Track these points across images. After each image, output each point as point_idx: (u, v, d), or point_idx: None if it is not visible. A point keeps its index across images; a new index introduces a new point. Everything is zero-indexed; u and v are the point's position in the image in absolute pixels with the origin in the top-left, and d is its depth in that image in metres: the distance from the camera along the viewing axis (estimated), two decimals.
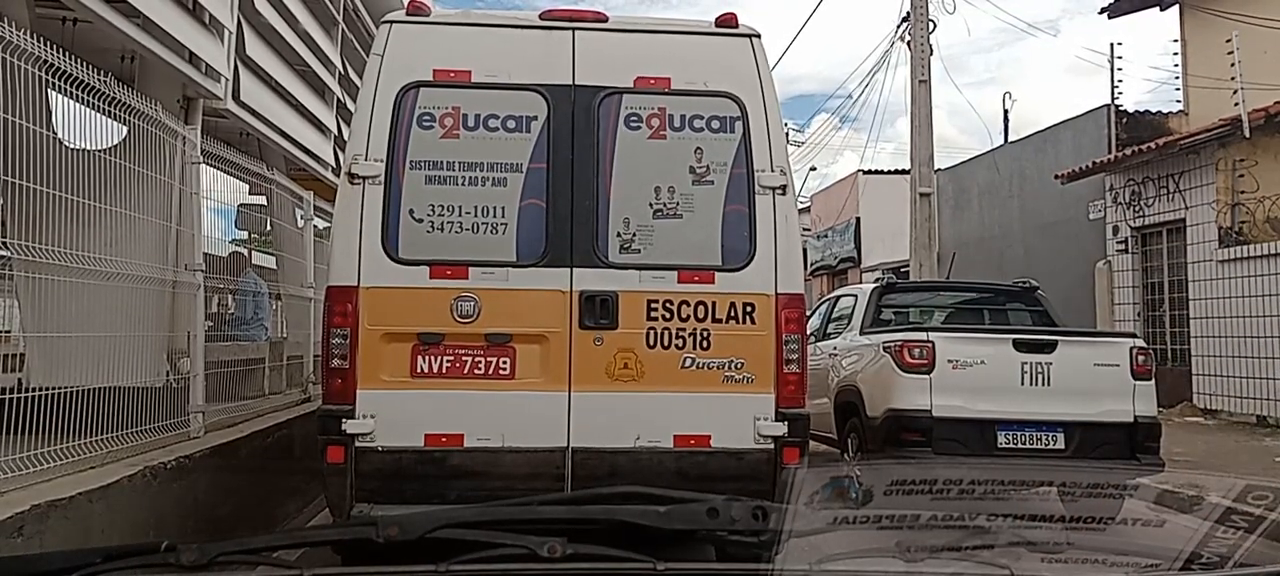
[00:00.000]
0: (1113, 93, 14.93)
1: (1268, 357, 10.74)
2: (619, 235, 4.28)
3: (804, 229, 21.22)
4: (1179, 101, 14.22)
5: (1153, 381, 6.49)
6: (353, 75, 9.01)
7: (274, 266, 8.96)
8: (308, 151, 8.75)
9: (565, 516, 1.71)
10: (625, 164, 4.32)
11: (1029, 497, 1.93)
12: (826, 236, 27.12)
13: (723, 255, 4.32)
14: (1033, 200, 16.09)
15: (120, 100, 4.65)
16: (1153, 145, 12.50)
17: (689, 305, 4.25)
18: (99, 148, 4.72)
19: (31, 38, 3.89)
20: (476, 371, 4.18)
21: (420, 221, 4.21)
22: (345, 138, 5.84)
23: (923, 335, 6.61)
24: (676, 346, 4.23)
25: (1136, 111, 14.51)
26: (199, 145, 5.65)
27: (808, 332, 4.86)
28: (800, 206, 16.18)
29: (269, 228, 8.51)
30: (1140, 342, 6.74)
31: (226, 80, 6.29)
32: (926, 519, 1.67)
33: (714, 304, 4.27)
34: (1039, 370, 6.31)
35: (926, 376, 6.33)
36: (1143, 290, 13.34)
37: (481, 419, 4.14)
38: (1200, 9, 13.65)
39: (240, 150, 7.09)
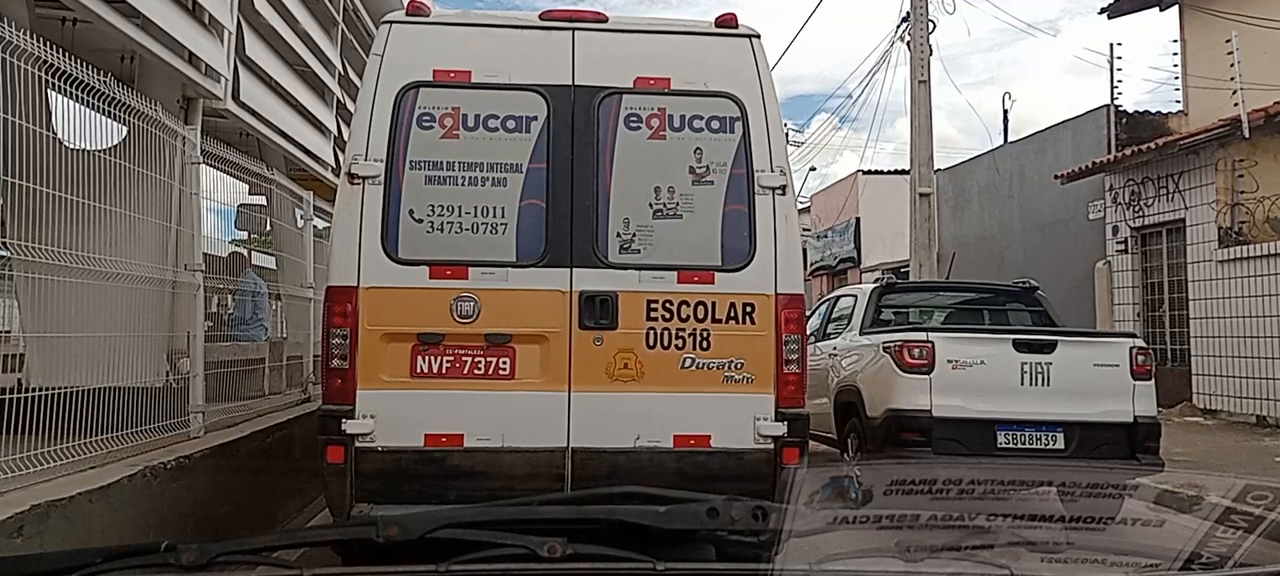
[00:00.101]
0: (1112, 93, 14.93)
1: (1267, 358, 10.74)
2: (619, 235, 4.28)
3: (804, 229, 21.24)
4: (1179, 101, 14.23)
5: (1152, 381, 6.49)
6: (353, 75, 9.01)
7: (274, 266, 8.96)
8: (307, 151, 8.75)
9: (565, 516, 1.71)
10: (625, 164, 4.32)
11: (1029, 497, 1.93)
12: (826, 236, 27.13)
13: (722, 255, 4.31)
14: (1032, 200, 16.09)
15: (120, 100, 4.64)
16: (1152, 145, 12.50)
17: (689, 305, 4.25)
18: (99, 148, 4.72)
19: (31, 38, 3.89)
20: (476, 371, 4.18)
21: (420, 221, 4.21)
22: (345, 138, 5.84)
23: (922, 335, 6.61)
24: (676, 346, 4.23)
25: (1136, 111, 14.52)
26: (199, 145, 5.64)
27: (807, 333, 4.87)
28: (800, 206, 16.20)
29: (269, 228, 8.52)
30: (1140, 343, 6.74)
31: (226, 80, 6.28)
32: (926, 519, 1.67)
33: (714, 304, 4.27)
34: (1039, 370, 6.32)
35: (926, 376, 6.33)
36: (1142, 290, 13.35)
37: (481, 419, 4.14)
38: (1200, 9, 13.66)
39: (240, 150, 7.09)
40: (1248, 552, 1.58)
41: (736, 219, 4.31)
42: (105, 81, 4.46)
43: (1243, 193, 11.43)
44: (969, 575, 1.61)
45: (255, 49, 6.90)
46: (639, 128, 4.34)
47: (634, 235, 4.28)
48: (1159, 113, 14.42)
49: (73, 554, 1.57)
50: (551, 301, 4.21)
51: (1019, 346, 6.40)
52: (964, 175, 18.69)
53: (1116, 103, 14.67)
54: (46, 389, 4.10)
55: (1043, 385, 6.30)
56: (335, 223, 4.43)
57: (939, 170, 15.45)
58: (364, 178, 4.18)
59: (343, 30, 9.28)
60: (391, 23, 4.41)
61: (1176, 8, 14.37)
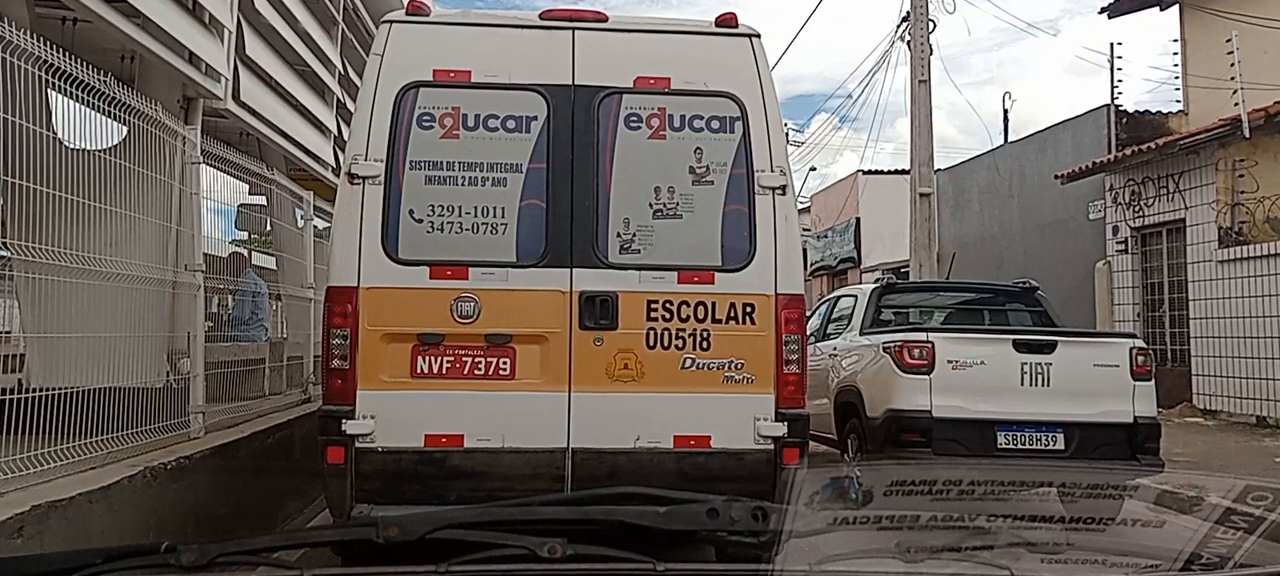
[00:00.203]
0: (1112, 93, 14.94)
1: (1268, 358, 10.74)
2: (619, 235, 4.28)
3: (804, 229, 21.24)
4: (1179, 101, 14.22)
5: (1152, 382, 6.49)
6: (353, 75, 9.01)
7: (274, 266, 8.96)
8: (308, 151, 8.75)
9: (565, 517, 1.71)
10: (625, 164, 4.32)
11: (1029, 498, 1.93)
12: (826, 236, 27.13)
13: (722, 255, 4.32)
14: (1032, 200, 16.09)
15: (120, 100, 4.65)
16: (1152, 145, 12.50)
17: (689, 305, 4.25)
18: (99, 148, 4.72)
19: (31, 37, 3.89)
20: (476, 372, 4.18)
21: (420, 222, 4.21)
22: (345, 138, 5.84)
23: (922, 335, 6.61)
24: (676, 347, 4.23)
25: (1136, 111, 14.51)
26: (199, 145, 5.64)
27: (808, 333, 4.87)
28: (800, 206, 16.20)
29: (269, 228, 8.52)
30: (1140, 343, 6.73)
31: (226, 80, 6.29)
32: (926, 519, 1.67)
33: (714, 304, 4.27)
34: (1039, 370, 6.31)
35: (926, 377, 6.33)
36: (1142, 290, 13.34)
37: (481, 419, 4.14)
38: (1200, 9, 13.65)
39: (240, 150, 7.09)
40: (1248, 553, 1.58)
41: (736, 219, 4.31)
42: (105, 81, 4.46)
43: (1243, 193, 11.43)
44: (969, 575, 1.61)
45: (255, 48, 6.90)
46: (639, 127, 4.34)
47: (634, 235, 4.28)
48: (1159, 112, 14.42)
49: (73, 554, 1.57)
50: (551, 302, 4.21)
51: (1019, 347, 6.40)
52: (964, 175, 18.69)
53: (1117, 102, 14.68)
54: (47, 389, 4.10)
55: (1043, 385, 6.30)
56: (335, 223, 4.43)
57: (939, 170, 15.45)
58: (364, 178, 4.18)
59: (343, 30, 9.28)
60: (391, 22, 4.41)
61: (1177, 7, 14.37)
